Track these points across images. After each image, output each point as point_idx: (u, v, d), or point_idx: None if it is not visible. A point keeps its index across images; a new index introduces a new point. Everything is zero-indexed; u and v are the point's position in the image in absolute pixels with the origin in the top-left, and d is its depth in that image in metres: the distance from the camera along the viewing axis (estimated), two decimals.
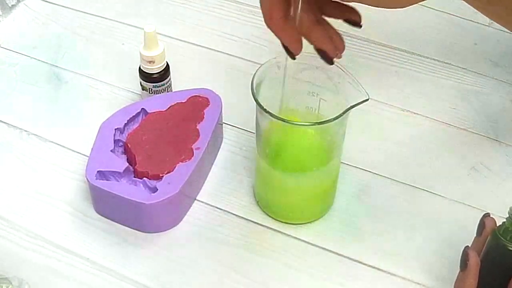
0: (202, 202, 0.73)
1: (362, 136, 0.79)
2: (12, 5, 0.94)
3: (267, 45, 0.89)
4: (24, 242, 0.70)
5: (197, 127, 0.73)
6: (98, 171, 0.69)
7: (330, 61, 0.60)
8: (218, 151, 0.78)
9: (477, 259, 0.60)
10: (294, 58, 0.60)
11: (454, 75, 0.87)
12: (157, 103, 0.76)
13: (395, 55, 0.89)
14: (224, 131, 0.79)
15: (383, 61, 0.89)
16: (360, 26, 0.60)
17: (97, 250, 0.69)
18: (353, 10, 0.59)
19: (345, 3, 0.57)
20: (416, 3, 0.57)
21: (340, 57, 0.61)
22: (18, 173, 0.76)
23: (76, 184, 0.74)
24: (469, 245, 0.62)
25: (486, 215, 0.62)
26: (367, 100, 0.62)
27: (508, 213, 0.57)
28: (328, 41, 0.59)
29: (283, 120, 0.62)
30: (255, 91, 0.63)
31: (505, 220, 0.58)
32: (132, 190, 0.69)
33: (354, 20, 0.60)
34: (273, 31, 0.58)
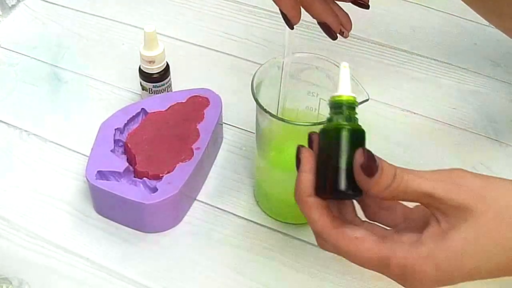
0: (202, 202, 0.73)
1: None
2: (12, 5, 0.94)
3: (267, 45, 0.89)
4: (24, 242, 0.70)
5: (197, 127, 0.74)
6: (98, 171, 0.69)
7: (333, 36, 0.59)
8: (218, 151, 0.78)
9: (311, 151, 0.54)
10: (292, 28, 0.59)
11: (454, 75, 0.87)
12: (157, 103, 0.76)
13: (395, 55, 0.89)
14: (224, 131, 0.79)
15: (383, 61, 0.89)
16: (368, 7, 0.59)
17: (97, 250, 0.69)
18: None
19: None
20: None
21: (347, 36, 0.60)
22: (18, 173, 0.76)
23: (76, 184, 0.74)
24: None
25: (301, 146, 0.56)
26: (367, 100, 0.62)
27: (328, 104, 0.54)
28: (331, 14, 0.59)
29: (283, 120, 0.62)
30: (255, 91, 0.63)
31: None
32: (132, 190, 0.69)
33: (362, 0, 0.59)
34: None
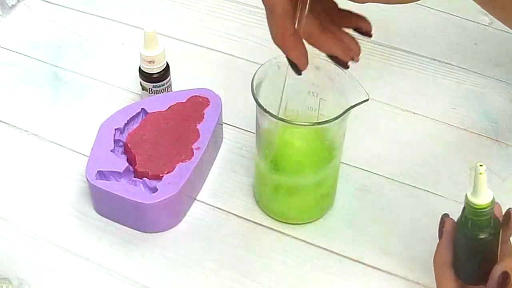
0: (202, 202, 0.73)
1: (362, 136, 0.79)
2: (12, 5, 0.94)
3: (267, 45, 0.88)
4: (24, 242, 0.70)
5: (197, 127, 0.74)
6: (98, 171, 0.69)
7: (345, 65, 0.59)
8: (218, 151, 0.78)
9: (454, 225, 0.60)
10: (300, 74, 0.59)
11: (454, 75, 0.87)
12: (157, 103, 0.76)
13: (395, 55, 0.89)
14: (224, 131, 0.79)
15: (383, 61, 0.89)
16: (371, 36, 0.59)
17: (97, 250, 0.69)
18: (362, 18, 0.58)
19: (353, 11, 0.57)
20: None
21: (357, 60, 0.59)
22: (18, 173, 0.76)
23: (76, 184, 0.74)
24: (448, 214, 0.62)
25: (446, 216, 0.62)
26: (367, 100, 0.62)
27: (465, 201, 0.57)
28: (338, 45, 0.58)
29: (283, 120, 0.62)
30: (255, 91, 0.63)
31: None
32: (132, 190, 0.69)
33: (364, 28, 0.58)
34: (283, 49, 0.57)
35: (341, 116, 0.61)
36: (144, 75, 0.78)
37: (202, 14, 0.94)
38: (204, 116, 0.75)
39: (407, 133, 0.80)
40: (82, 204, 0.73)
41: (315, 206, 0.72)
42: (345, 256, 0.69)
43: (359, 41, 0.88)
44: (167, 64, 0.79)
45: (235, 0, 0.96)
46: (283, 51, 0.57)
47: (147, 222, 0.70)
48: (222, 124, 0.78)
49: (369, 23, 0.58)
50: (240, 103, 0.79)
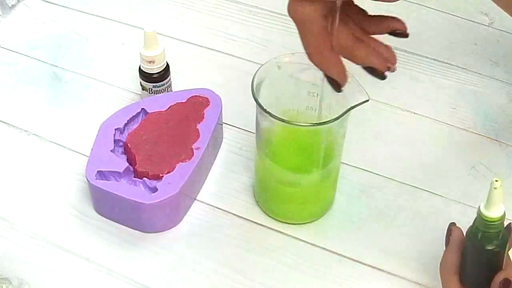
0: (202, 202, 0.73)
1: (362, 136, 0.79)
2: (12, 5, 0.94)
3: (267, 45, 0.89)
4: (24, 242, 0.70)
5: (197, 127, 0.74)
6: (98, 171, 0.69)
7: (382, 76, 0.57)
8: (218, 151, 0.78)
9: (460, 234, 0.61)
10: (340, 91, 0.56)
11: (454, 75, 0.87)
12: (157, 103, 0.76)
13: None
14: (224, 131, 0.79)
15: None
16: (407, 36, 0.56)
17: (97, 250, 0.69)
18: (395, 19, 0.55)
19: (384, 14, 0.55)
20: None
21: (394, 70, 0.57)
22: (18, 173, 0.76)
23: (76, 184, 0.74)
24: (455, 223, 0.64)
25: (452, 224, 0.64)
26: (367, 100, 0.62)
27: (477, 213, 0.57)
28: (375, 56, 0.56)
29: (283, 120, 0.62)
30: (255, 91, 0.63)
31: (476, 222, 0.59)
32: (132, 190, 0.69)
33: (399, 29, 0.56)
34: (322, 67, 0.55)
35: (342, 116, 0.61)
36: (144, 75, 0.78)
37: (202, 14, 0.94)
38: (204, 116, 0.75)
39: (407, 133, 0.81)
40: (82, 204, 0.73)
41: (315, 206, 0.72)
42: (345, 256, 0.69)
43: None
44: (167, 64, 0.79)
45: (235, 0, 0.96)
46: (321, 69, 0.55)
47: (147, 222, 0.70)
48: (222, 124, 0.78)
49: (403, 23, 0.55)
50: (240, 103, 0.79)
